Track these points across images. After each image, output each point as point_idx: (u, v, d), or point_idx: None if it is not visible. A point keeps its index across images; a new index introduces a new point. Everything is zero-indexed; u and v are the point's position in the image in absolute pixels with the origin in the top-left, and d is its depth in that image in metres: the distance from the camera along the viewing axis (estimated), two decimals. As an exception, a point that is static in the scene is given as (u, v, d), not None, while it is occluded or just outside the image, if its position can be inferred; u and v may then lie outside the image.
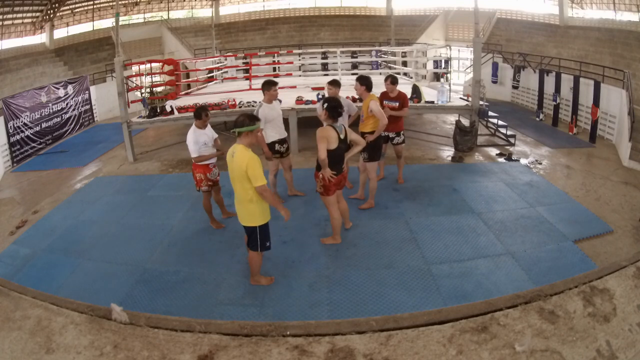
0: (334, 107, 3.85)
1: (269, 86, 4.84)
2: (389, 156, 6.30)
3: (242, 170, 3.12)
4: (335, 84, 5.00)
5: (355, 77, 5.36)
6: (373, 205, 5.15)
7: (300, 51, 13.95)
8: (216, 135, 4.74)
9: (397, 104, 5.47)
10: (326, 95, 5.17)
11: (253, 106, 7.94)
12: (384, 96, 5.55)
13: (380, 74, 12.97)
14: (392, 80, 5.47)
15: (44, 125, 10.49)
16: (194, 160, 4.57)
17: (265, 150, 4.90)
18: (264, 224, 3.39)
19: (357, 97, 5.43)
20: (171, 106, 8.25)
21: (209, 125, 4.69)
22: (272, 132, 4.93)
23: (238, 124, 3.20)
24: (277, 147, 5.01)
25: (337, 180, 3.97)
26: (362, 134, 4.82)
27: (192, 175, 4.76)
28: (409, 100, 5.68)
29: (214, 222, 4.92)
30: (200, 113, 4.55)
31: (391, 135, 5.53)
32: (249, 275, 3.77)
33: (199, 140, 4.47)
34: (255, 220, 3.34)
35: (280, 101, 7.93)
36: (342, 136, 3.87)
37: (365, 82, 4.86)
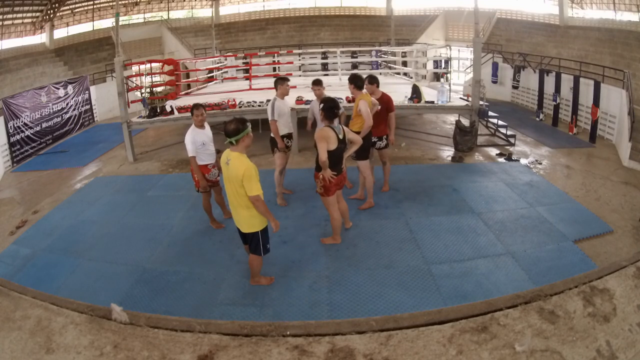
0: (329, 107, 3.84)
1: (282, 82, 5.05)
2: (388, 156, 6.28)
3: (239, 178, 3.05)
4: (319, 82, 5.17)
5: None
6: (373, 204, 5.14)
7: (300, 51, 13.95)
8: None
9: (379, 107, 4.88)
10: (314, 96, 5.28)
11: (253, 106, 7.95)
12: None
13: (380, 73, 12.99)
14: (370, 80, 5.01)
15: (44, 125, 10.48)
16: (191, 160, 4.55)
17: (280, 142, 5.03)
18: (264, 228, 3.37)
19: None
20: (171, 106, 8.25)
21: (207, 126, 4.68)
22: (283, 126, 5.09)
23: (233, 132, 3.07)
24: (285, 141, 5.12)
25: (337, 180, 3.97)
26: None
27: (192, 175, 4.75)
28: (393, 104, 5.14)
29: (214, 222, 4.91)
30: (192, 109, 4.54)
31: (373, 139, 5.05)
32: (249, 275, 3.77)
33: (196, 140, 4.44)
34: (255, 226, 3.31)
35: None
36: (340, 136, 3.89)
37: (354, 81, 4.76)
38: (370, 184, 5.09)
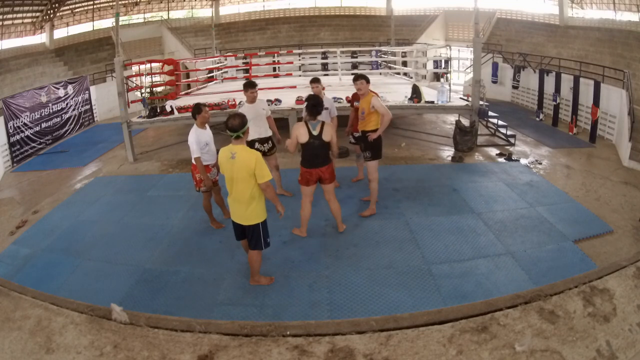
0: (312, 105, 4.10)
1: (245, 89, 5.01)
2: (388, 156, 6.28)
3: (250, 168, 3.16)
4: (317, 80, 5.23)
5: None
6: (375, 212, 5.00)
7: (300, 51, 13.95)
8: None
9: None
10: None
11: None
12: (355, 97, 5.33)
13: (380, 73, 13.00)
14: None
15: (44, 125, 10.48)
16: (194, 160, 4.56)
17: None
18: (265, 220, 3.44)
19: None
20: (171, 106, 8.25)
21: (207, 126, 4.68)
22: (251, 130, 4.99)
23: (239, 125, 3.23)
24: (257, 145, 5.06)
25: (311, 174, 4.15)
26: (364, 133, 4.76)
27: (192, 175, 4.76)
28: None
29: (214, 222, 4.92)
30: (194, 113, 4.55)
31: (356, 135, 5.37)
32: (249, 275, 3.77)
33: (200, 140, 4.46)
34: (257, 217, 3.38)
35: (280, 101, 7.99)
36: (314, 133, 4.05)
37: (369, 80, 4.79)
38: (376, 187, 4.94)
